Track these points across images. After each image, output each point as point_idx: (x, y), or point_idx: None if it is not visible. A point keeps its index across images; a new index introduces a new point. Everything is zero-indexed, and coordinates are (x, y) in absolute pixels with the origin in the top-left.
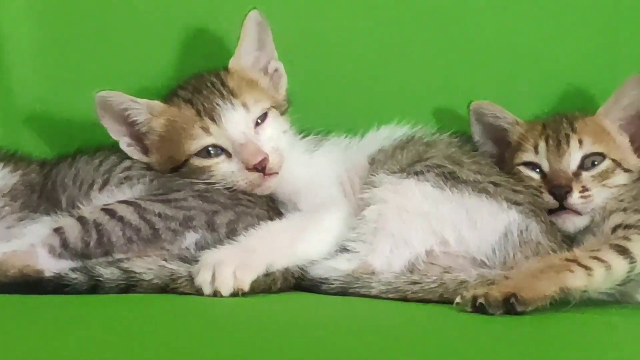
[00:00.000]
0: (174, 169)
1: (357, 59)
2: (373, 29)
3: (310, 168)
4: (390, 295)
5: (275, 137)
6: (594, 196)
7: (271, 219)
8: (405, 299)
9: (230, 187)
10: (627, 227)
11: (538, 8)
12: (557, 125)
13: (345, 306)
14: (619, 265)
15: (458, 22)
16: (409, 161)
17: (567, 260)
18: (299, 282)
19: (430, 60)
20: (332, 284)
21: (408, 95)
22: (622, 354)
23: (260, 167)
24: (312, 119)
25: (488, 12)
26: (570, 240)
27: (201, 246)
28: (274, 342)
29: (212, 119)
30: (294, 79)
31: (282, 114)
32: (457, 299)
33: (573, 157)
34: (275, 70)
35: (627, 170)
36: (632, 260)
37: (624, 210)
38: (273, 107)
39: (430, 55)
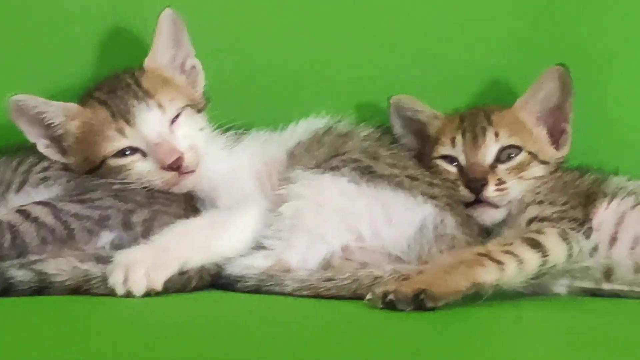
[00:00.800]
0: (91, 169)
1: (279, 53)
2: (293, 23)
3: (229, 164)
4: (304, 293)
5: (191, 135)
6: (510, 189)
7: (188, 216)
8: (319, 296)
9: (147, 186)
10: (542, 219)
11: (458, 1)
12: (474, 119)
13: (259, 304)
14: (532, 259)
15: (378, 15)
16: (325, 156)
17: (479, 254)
18: (215, 280)
19: (352, 53)
20: (247, 281)
21: (330, 88)
22: (525, 348)
23: (176, 166)
24: (233, 114)
25: (408, 6)
26: (488, 233)
27: (117, 245)
28: (182, 341)
29: (127, 121)
30: (215, 75)
31: (200, 111)
32: (368, 296)
33: (489, 149)
34: (193, 67)
35: (543, 163)
36: (544, 254)
37: (540, 202)
38: (189, 105)
39: (352, 48)
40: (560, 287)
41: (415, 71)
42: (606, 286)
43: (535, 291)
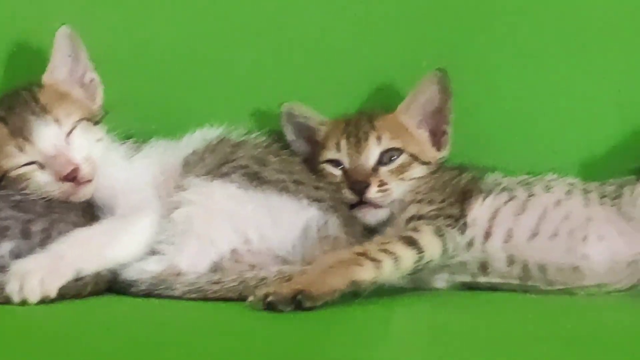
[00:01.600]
0: None
1: (177, 66)
2: (187, 36)
3: (127, 173)
4: (193, 296)
5: (87, 147)
6: (392, 189)
7: (87, 224)
8: (207, 299)
9: (45, 197)
10: (420, 217)
11: (345, 9)
12: (358, 123)
13: (150, 308)
14: (407, 257)
15: (269, 25)
16: (216, 163)
17: (357, 254)
18: (111, 285)
19: (245, 63)
20: (140, 286)
21: (225, 97)
22: (392, 346)
23: (72, 177)
24: (134, 124)
25: (296, 15)
26: (375, 232)
27: (16, 254)
28: (72, 345)
29: (25, 137)
30: (115, 87)
31: (97, 123)
32: (250, 298)
33: (372, 153)
34: (91, 81)
35: (425, 163)
36: (419, 251)
37: (419, 201)
38: (86, 117)
39: (245, 58)
40: (440, 281)
41: (307, 79)
42: (482, 279)
43: (416, 286)
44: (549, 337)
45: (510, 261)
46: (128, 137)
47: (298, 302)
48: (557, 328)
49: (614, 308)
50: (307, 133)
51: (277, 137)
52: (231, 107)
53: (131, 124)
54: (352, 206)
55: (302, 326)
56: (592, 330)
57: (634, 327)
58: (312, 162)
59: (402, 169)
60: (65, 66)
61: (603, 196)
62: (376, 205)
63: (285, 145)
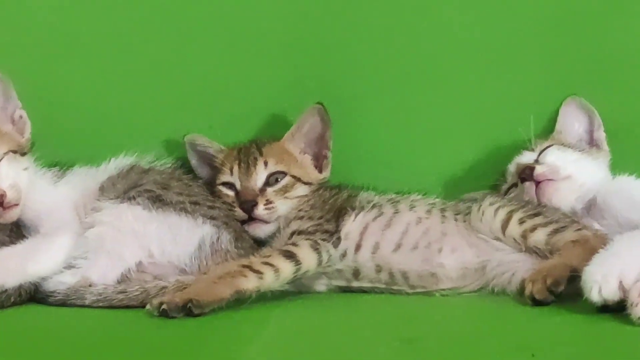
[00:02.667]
0: None
1: (94, 102)
2: (102, 79)
3: (50, 197)
4: (101, 304)
5: (14, 175)
6: (277, 207)
7: (15, 242)
8: (113, 307)
9: None
10: (300, 232)
11: (239, 52)
12: (248, 151)
13: (64, 316)
14: (286, 268)
15: (173, 65)
16: (126, 188)
17: (243, 266)
18: (32, 295)
19: (155, 98)
20: (57, 296)
21: (138, 130)
22: (266, 343)
23: None
24: (60, 154)
25: (199, 55)
26: (265, 245)
27: None
28: None
29: None
30: (43, 122)
31: (24, 153)
32: (147, 306)
33: (259, 176)
34: (20, 117)
35: (307, 184)
36: (297, 262)
37: (301, 218)
38: (14, 150)
39: (154, 94)
40: (321, 285)
41: (209, 111)
42: (355, 284)
43: (300, 290)
44: (407, 329)
45: (378, 269)
46: (53, 165)
47: (189, 309)
48: (416, 322)
49: (464, 306)
50: (208, 159)
51: (183, 163)
52: (143, 137)
53: (56, 154)
54: (244, 222)
55: (191, 329)
56: (445, 322)
57: (479, 320)
58: (212, 185)
59: (286, 189)
60: None
61: (457, 213)
62: (264, 221)
63: (190, 170)
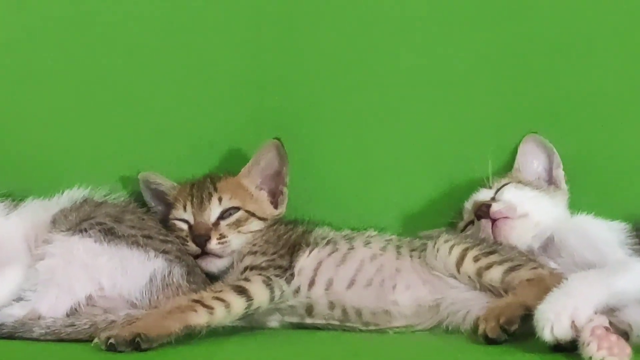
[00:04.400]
0: None
1: (48, 134)
2: (59, 112)
3: (1, 228)
4: (49, 338)
5: None
6: (230, 241)
7: None
8: (61, 340)
9: None
10: (253, 268)
11: (194, 87)
12: (202, 186)
13: (13, 350)
14: (237, 304)
15: (127, 103)
16: (78, 220)
17: (193, 301)
18: None
19: (109, 132)
20: (4, 329)
21: (93, 162)
22: None
23: None
24: (13, 185)
25: (153, 89)
26: (216, 279)
27: None
28: None
29: None
30: None
31: None
32: (95, 340)
33: (213, 211)
34: None
35: (262, 219)
36: (248, 298)
37: (254, 253)
38: None
39: (108, 129)
40: (273, 321)
41: (163, 146)
42: (308, 320)
43: (252, 325)
44: None
45: (332, 306)
46: (6, 196)
47: (137, 344)
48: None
49: (418, 343)
50: (161, 196)
51: (137, 197)
52: (97, 171)
53: (9, 185)
54: (197, 257)
55: None
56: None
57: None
58: (166, 219)
59: (239, 224)
60: None
61: (412, 249)
62: (217, 256)
63: (144, 204)
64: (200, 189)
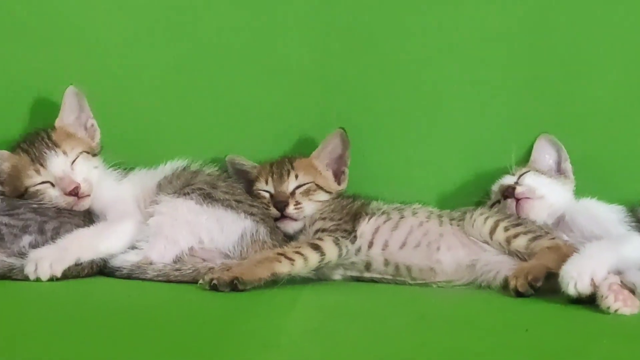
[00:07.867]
0: (19, 195)
1: (152, 117)
2: (161, 96)
3: (116, 191)
4: (160, 279)
5: (86, 172)
6: (304, 207)
7: (86, 225)
8: (170, 281)
9: (55, 206)
10: (323, 230)
11: (274, 82)
12: (281, 164)
13: (130, 287)
14: (313, 257)
15: (220, 91)
16: (180, 185)
17: (278, 253)
18: (102, 269)
19: (201, 115)
20: (123, 271)
21: (188, 141)
22: (295, 316)
23: (74, 193)
24: (124, 157)
25: (241, 85)
26: (291, 239)
27: (34, 245)
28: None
29: (41, 164)
30: (111, 130)
31: (95, 155)
32: (200, 281)
33: (291, 184)
34: (92, 125)
35: (328, 192)
36: (322, 254)
37: (324, 218)
38: (87, 151)
39: (201, 112)
40: (337, 275)
41: (246, 133)
42: (367, 274)
43: (320, 278)
44: (409, 313)
45: (386, 263)
46: (118, 166)
47: (234, 285)
48: (415, 307)
49: (459, 295)
50: (243, 174)
51: (225, 169)
52: (192, 149)
53: (121, 157)
54: (277, 219)
55: (236, 302)
56: (441, 309)
57: (476, 304)
58: (248, 190)
59: (310, 193)
60: (72, 114)
61: (452, 219)
62: (293, 219)
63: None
64: (279, 166)
